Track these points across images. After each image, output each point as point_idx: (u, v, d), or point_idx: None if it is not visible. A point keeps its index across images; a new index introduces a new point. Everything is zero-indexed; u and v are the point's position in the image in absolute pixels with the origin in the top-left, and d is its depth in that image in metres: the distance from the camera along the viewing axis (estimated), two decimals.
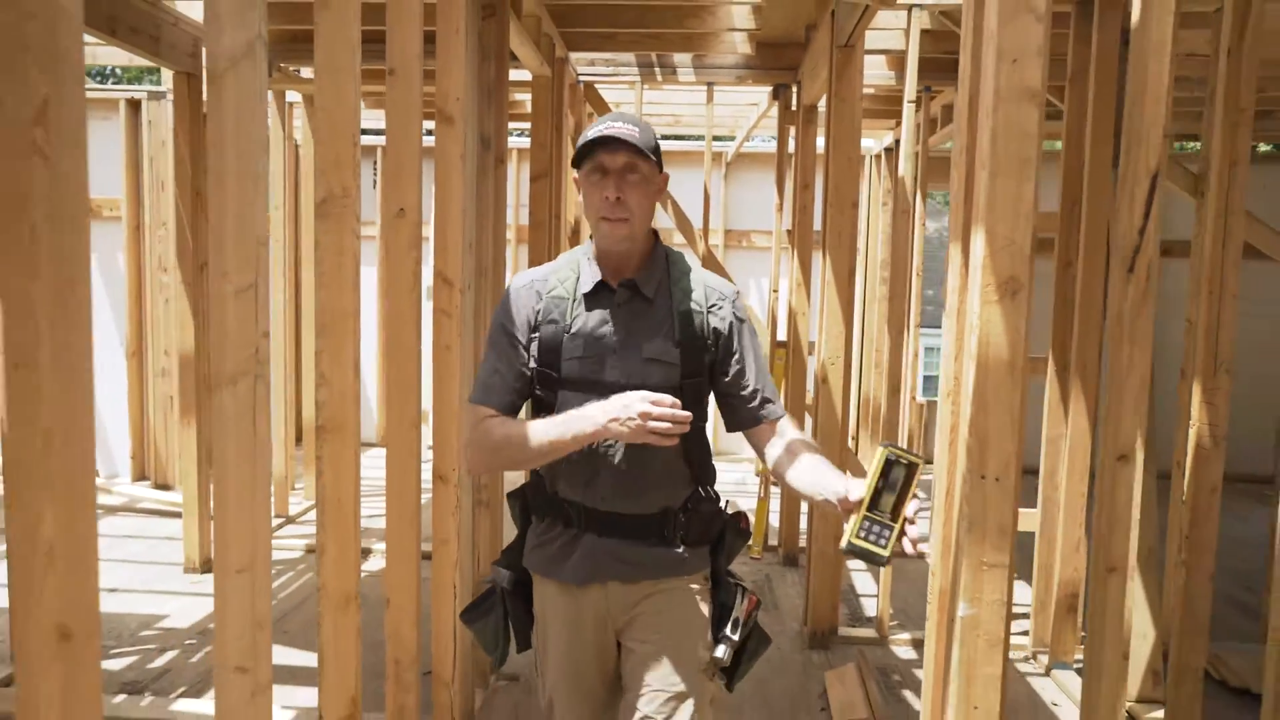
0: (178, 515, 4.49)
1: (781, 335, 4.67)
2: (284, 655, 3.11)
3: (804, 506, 4.23)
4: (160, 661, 3.14)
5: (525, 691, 2.91)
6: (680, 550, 1.54)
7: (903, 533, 1.29)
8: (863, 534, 1.29)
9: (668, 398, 1.36)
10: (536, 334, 1.53)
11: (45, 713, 0.96)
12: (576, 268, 1.57)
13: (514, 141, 6.53)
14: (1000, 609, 1.54)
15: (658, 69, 4.47)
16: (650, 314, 1.53)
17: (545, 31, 3.67)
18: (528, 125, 4.58)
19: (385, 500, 2.10)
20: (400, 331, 2.11)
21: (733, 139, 6.57)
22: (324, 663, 1.78)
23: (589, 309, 1.53)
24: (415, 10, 1.98)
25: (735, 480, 6.15)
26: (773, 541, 4.67)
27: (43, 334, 0.93)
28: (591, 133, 1.47)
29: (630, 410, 1.35)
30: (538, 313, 1.53)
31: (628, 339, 1.51)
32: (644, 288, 1.53)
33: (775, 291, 4.87)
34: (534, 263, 3.99)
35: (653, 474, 1.51)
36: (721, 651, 1.54)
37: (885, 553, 1.28)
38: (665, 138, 7.41)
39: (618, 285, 1.53)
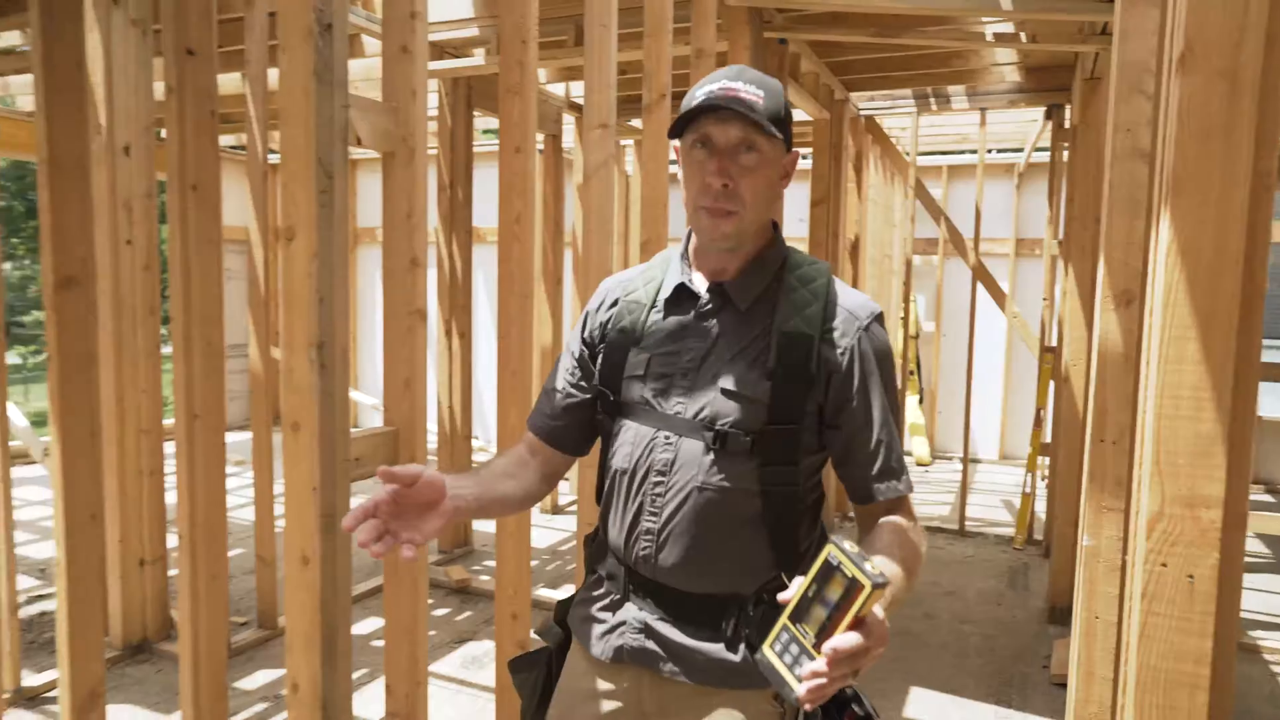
0: None
1: (1052, 341, 4.92)
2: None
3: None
4: None
5: None
6: (739, 655, 1.13)
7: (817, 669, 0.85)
8: (778, 648, 0.90)
9: None
10: (603, 344, 1.23)
11: None
12: (666, 266, 1.25)
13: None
14: (1116, 543, 2.01)
15: (932, 99, 4.97)
16: (740, 332, 1.16)
17: (824, 82, 4.38)
18: (808, 150, 5.29)
19: None
20: None
21: (1021, 150, 6.71)
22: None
23: (666, 317, 1.20)
24: None
25: (1014, 483, 6.32)
26: (1038, 536, 4.93)
27: (513, 336, 1.90)
28: (699, 93, 1.11)
29: None
30: (609, 320, 1.24)
31: (705, 362, 1.15)
32: (737, 296, 1.17)
33: (1046, 299, 5.11)
34: None
35: (716, 540, 1.13)
36: None
37: (794, 689, 0.87)
38: (950, 152, 7.59)
39: (706, 290, 1.19)
